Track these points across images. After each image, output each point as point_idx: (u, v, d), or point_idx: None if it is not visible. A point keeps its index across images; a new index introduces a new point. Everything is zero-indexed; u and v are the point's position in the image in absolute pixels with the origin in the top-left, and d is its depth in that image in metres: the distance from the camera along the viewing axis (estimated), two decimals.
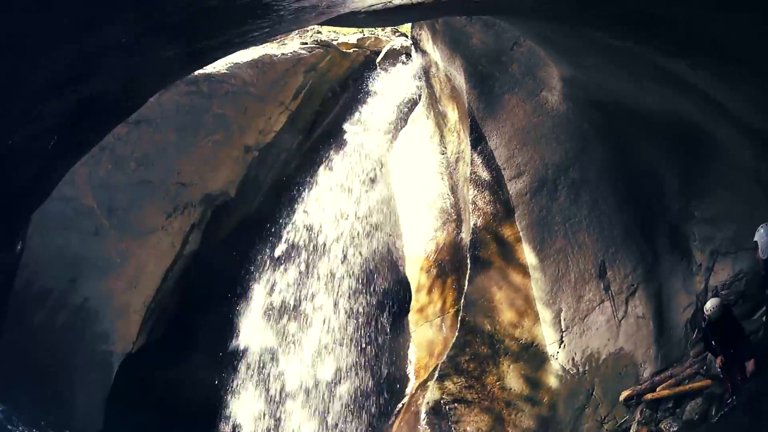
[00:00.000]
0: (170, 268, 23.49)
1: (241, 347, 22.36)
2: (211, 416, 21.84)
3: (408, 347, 19.97)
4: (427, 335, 19.16)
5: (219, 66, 23.70)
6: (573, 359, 16.94)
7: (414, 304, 19.82)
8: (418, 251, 20.21)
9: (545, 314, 17.31)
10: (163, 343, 23.59)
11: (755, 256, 8.99)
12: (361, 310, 20.87)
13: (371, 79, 25.88)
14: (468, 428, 16.72)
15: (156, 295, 23.24)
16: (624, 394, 16.25)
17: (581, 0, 9.49)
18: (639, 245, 17.25)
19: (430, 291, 19.46)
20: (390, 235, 21.68)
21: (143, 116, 22.46)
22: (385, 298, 21.25)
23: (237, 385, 22.01)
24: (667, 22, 8.52)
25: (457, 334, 17.54)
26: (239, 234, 24.60)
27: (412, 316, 19.74)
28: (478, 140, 18.64)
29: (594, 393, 16.66)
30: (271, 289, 22.82)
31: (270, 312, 22.46)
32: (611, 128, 17.34)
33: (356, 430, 19.68)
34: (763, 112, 11.60)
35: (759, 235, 8.81)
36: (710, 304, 13.71)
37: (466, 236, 18.91)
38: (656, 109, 15.54)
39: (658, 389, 15.85)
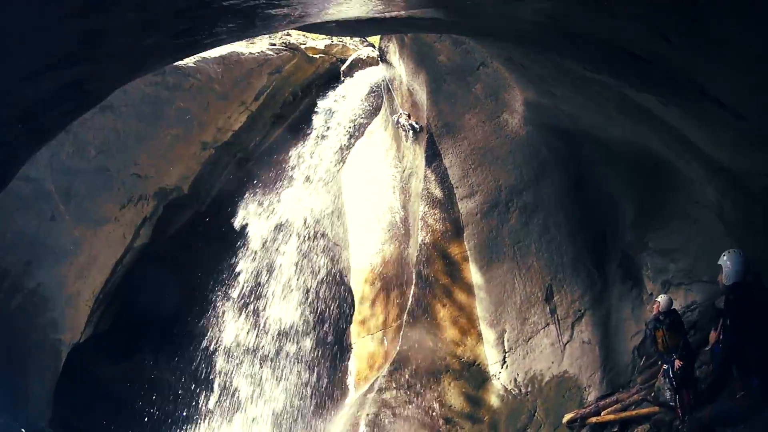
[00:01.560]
0: (120, 260, 22.99)
1: (187, 347, 22.14)
2: (158, 414, 21.56)
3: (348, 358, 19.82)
4: (368, 348, 18.85)
5: (187, 59, 23.56)
6: (515, 380, 16.73)
7: (356, 316, 19.51)
8: (363, 263, 19.91)
9: (488, 334, 17.09)
10: (109, 336, 23.29)
11: (717, 279, 9.08)
12: (305, 317, 20.76)
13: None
14: None
15: (104, 286, 22.77)
16: (567, 416, 16.16)
17: (556, 31, 9.48)
18: (589, 272, 17.20)
19: (373, 304, 19.20)
20: (337, 245, 21.58)
21: (108, 102, 21.94)
22: (329, 308, 21.17)
23: (183, 384, 21.78)
24: (642, 59, 8.55)
25: (398, 348, 17.28)
26: (189, 231, 24.44)
27: (355, 328, 19.42)
28: (433, 157, 18.38)
29: (536, 414, 16.50)
30: (222, 289, 22.61)
31: (218, 311, 22.30)
32: (571, 155, 17.27)
33: None
34: (732, 151, 11.70)
35: (723, 261, 8.86)
36: (661, 297, 14.03)
37: (413, 252, 18.59)
38: (621, 140, 15.35)
39: (603, 413, 15.76)
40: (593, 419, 15.94)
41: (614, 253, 17.39)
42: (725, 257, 8.67)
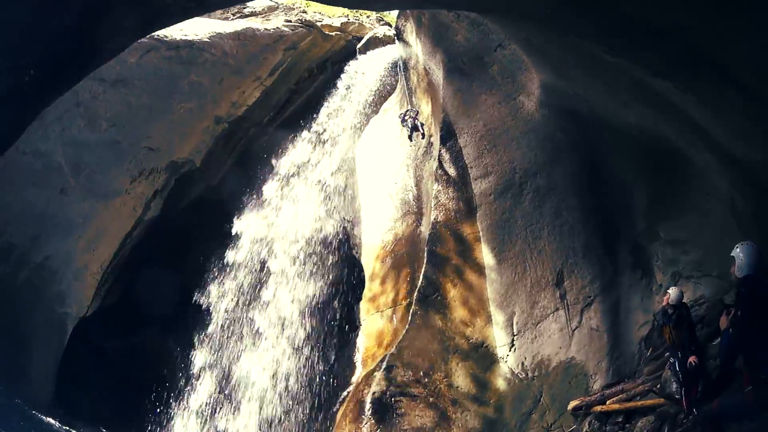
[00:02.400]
0: (129, 233, 23.04)
1: (193, 320, 22.15)
2: (163, 388, 21.58)
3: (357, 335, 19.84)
4: (377, 325, 18.90)
5: (201, 34, 23.50)
6: (522, 364, 16.80)
7: (366, 293, 19.57)
8: (375, 240, 19.96)
9: (498, 316, 17.16)
10: (117, 310, 23.34)
11: (730, 270, 9.03)
12: (314, 292, 20.75)
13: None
14: (412, 423, 16.46)
15: (113, 259, 22.80)
16: (572, 403, 16.09)
17: (579, 6, 9.40)
18: (600, 258, 17.16)
19: (383, 281, 19.22)
20: (349, 222, 21.58)
21: (122, 76, 22.19)
22: (339, 284, 21.15)
23: (190, 359, 21.80)
24: (665, 35, 8.46)
25: (407, 326, 17.33)
26: (199, 204, 24.43)
27: (364, 305, 19.49)
28: (448, 136, 18.37)
29: (542, 399, 16.56)
30: (227, 263, 22.62)
31: (224, 288, 22.34)
32: (585, 139, 17.18)
33: (301, 412, 19.62)
34: (747, 142, 11.58)
35: (736, 253, 8.82)
36: (672, 289, 13.97)
37: (425, 230, 18.68)
38: (635, 127, 15.30)
39: (608, 402, 15.67)
40: (598, 408, 15.84)
41: (625, 240, 17.31)
42: (738, 249, 8.63)
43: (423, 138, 19.93)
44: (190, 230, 23.47)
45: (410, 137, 20.01)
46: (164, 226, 23.61)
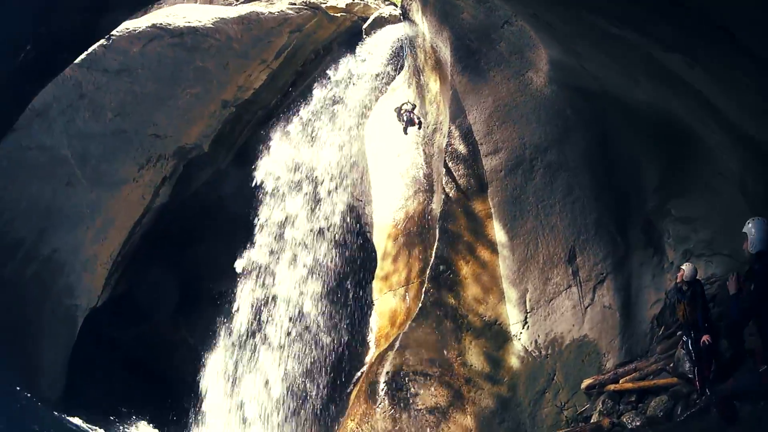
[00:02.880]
0: (138, 221, 23.01)
1: (207, 306, 22.10)
2: (175, 377, 21.56)
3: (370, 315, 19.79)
4: (389, 304, 18.84)
5: (205, 21, 23.39)
6: (536, 341, 16.80)
7: (378, 272, 19.48)
8: (387, 219, 19.86)
9: (511, 293, 17.13)
10: (127, 300, 23.30)
11: (743, 247, 8.92)
12: (327, 273, 20.71)
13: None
14: (426, 402, 16.50)
15: (123, 248, 22.77)
16: (586, 382, 16.22)
17: None
18: (612, 236, 17.17)
19: (395, 259, 19.16)
20: (360, 201, 21.50)
21: (125, 66, 22.16)
22: (351, 264, 21.09)
23: (203, 346, 21.77)
24: (677, 2, 8.35)
25: (420, 305, 17.28)
26: (209, 189, 24.36)
27: (376, 284, 19.40)
28: (457, 113, 18.28)
29: (555, 378, 16.58)
30: (239, 247, 22.56)
31: (237, 268, 22.24)
32: (596, 116, 17.17)
33: (314, 395, 19.60)
34: (760, 121, 11.47)
35: (747, 228, 8.71)
36: (686, 265, 13.91)
37: (436, 207, 18.62)
38: (645, 104, 15.28)
39: (621, 381, 15.75)
40: (611, 387, 15.95)
41: (637, 217, 17.31)
42: (750, 225, 8.50)
43: (419, 129, 19.88)
44: (200, 216, 23.30)
45: (405, 131, 19.87)
46: (174, 212, 23.53)
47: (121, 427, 19.01)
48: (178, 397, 20.99)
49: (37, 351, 20.57)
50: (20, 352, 19.76)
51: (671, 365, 14.58)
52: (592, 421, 15.59)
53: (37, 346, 20.52)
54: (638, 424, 14.24)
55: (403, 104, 20.10)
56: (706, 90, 12.32)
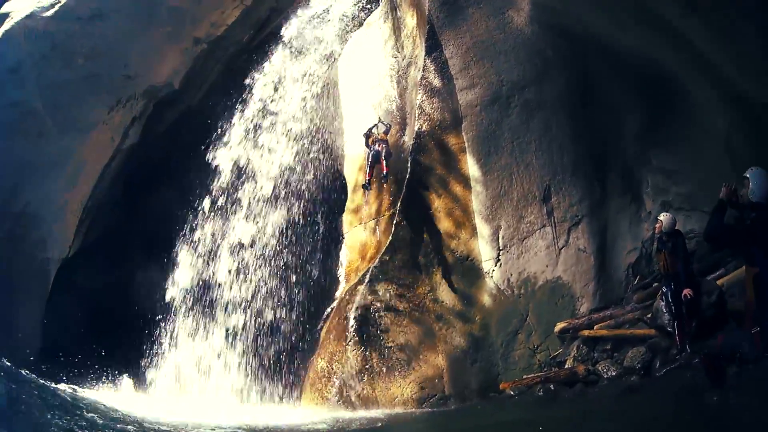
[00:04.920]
0: (108, 164, 22.51)
1: (179, 247, 21.66)
2: (147, 325, 21.08)
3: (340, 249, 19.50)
4: (360, 237, 18.60)
5: None
6: (508, 280, 16.70)
7: (349, 204, 19.26)
8: (358, 151, 19.54)
9: (483, 229, 16.96)
10: (98, 248, 22.87)
11: (740, 193, 8.58)
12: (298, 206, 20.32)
13: None
14: (396, 339, 16.40)
15: (93, 193, 22.32)
16: (559, 325, 16.20)
17: None
18: (588, 178, 17.14)
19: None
20: (331, 134, 21.07)
21: (96, 11, 21.61)
22: (322, 197, 20.71)
23: (173, 288, 21.32)
24: None
25: (390, 238, 17.07)
26: (180, 127, 23.89)
27: (346, 217, 19.18)
28: (433, 47, 17.87)
29: (528, 319, 16.54)
30: (209, 187, 22.11)
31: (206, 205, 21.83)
32: (577, 58, 17.04)
33: (285, 333, 19.23)
34: (757, 78, 11.24)
35: (752, 174, 8.32)
36: (663, 215, 13.73)
37: (408, 140, 18.33)
38: (632, 51, 15.25)
39: (595, 327, 15.74)
40: (586, 332, 15.90)
41: (615, 163, 17.32)
42: (748, 174, 7.99)
43: (384, 177, 18.44)
44: (169, 156, 22.83)
45: (370, 168, 18.58)
46: (143, 154, 23.03)
47: (98, 384, 18.44)
48: (153, 345, 20.61)
49: (14, 310, 20.08)
50: None
51: (649, 316, 14.55)
52: (566, 366, 15.58)
53: (12, 304, 19.97)
54: (614, 374, 14.17)
55: (373, 126, 19.06)
56: (701, 41, 12.18)
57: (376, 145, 18.51)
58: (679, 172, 16.21)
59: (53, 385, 14.73)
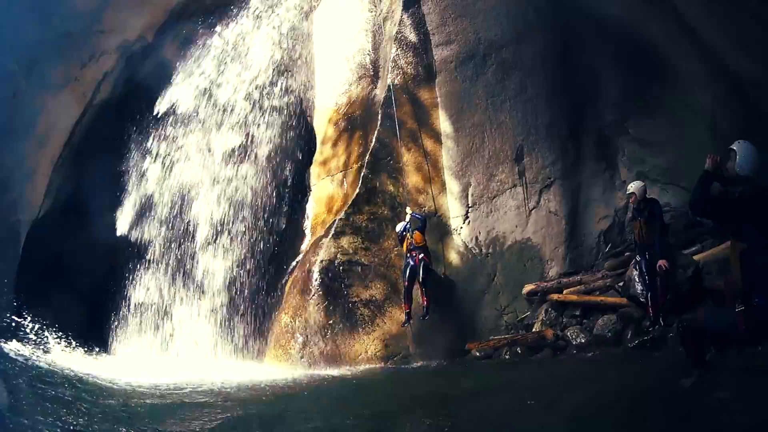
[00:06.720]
0: (79, 120, 22.19)
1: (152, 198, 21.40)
2: (118, 282, 20.86)
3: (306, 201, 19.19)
4: (327, 190, 18.30)
5: None
6: (476, 238, 16.64)
7: (317, 156, 18.92)
8: (328, 103, 19.22)
9: (453, 185, 16.90)
10: (69, 207, 22.55)
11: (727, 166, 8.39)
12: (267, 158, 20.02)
13: None
14: (361, 294, 16.18)
15: (63, 151, 22.06)
16: (528, 287, 16.16)
17: None
18: (563, 141, 17.15)
19: (335, 144, 18.57)
20: (302, 86, 20.77)
21: None
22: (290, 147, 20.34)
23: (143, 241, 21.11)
24: None
25: (357, 191, 16.86)
26: (151, 82, 23.56)
27: (314, 169, 18.87)
28: (411, 2, 17.78)
29: (495, 279, 16.49)
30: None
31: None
32: (558, 21, 17.06)
33: (250, 287, 18.94)
34: (748, 52, 11.12)
35: (738, 147, 8.11)
36: (634, 184, 13.55)
37: (380, 93, 18.11)
38: (616, 20, 15.30)
39: (565, 291, 15.65)
40: (555, 296, 15.84)
41: (591, 128, 17.40)
42: (735, 146, 7.78)
43: (425, 311, 15.57)
44: (142, 110, 22.52)
45: (406, 292, 15.64)
46: (113, 110, 22.70)
47: (72, 352, 18.20)
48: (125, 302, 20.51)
49: None
50: None
51: (621, 285, 14.38)
52: (534, 329, 15.49)
53: None
54: (583, 341, 14.04)
55: (407, 224, 16.10)
56: (692, 13, 12.06)
57: (412, 257, 15.69)
58: (657, 144, 16.25)
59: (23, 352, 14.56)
